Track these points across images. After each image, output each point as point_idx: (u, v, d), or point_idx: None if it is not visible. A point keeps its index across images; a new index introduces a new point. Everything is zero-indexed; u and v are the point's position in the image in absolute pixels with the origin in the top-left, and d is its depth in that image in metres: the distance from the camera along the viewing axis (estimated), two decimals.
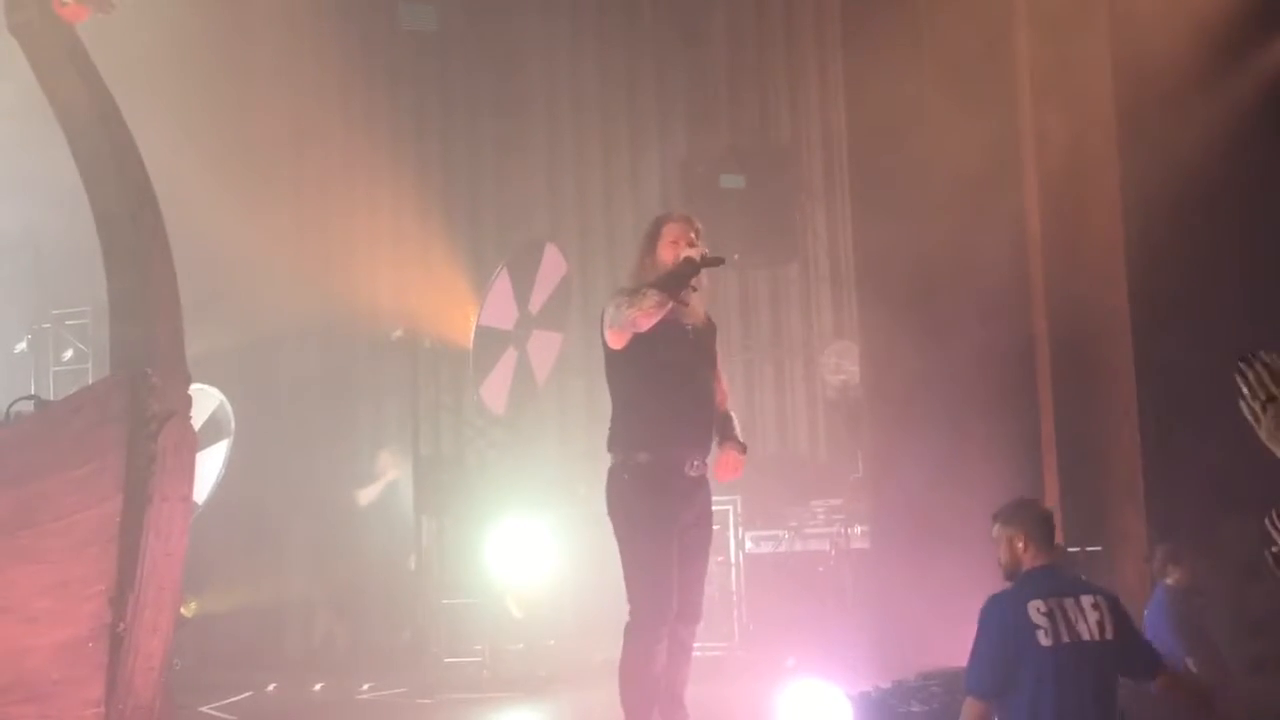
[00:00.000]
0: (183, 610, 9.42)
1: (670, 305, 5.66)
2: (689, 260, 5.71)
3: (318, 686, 10.20)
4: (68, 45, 6.02)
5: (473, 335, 10.40)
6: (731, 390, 11.32)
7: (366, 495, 11.05)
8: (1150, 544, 8.38)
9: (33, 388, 11.00)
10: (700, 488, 5.81)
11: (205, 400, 10.10)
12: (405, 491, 11.17)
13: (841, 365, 11.07)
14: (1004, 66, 9.25)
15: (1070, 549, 8.11)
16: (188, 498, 5.88)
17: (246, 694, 9.88)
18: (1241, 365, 2.89)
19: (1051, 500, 9.02)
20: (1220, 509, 8.20)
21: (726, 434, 5.91)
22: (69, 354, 11.72)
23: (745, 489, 11.02)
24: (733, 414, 6.02)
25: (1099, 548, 8.54)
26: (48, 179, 8.84)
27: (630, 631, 5.67)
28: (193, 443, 5.89)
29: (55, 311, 11.75)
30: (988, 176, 8.91)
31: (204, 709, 9.23)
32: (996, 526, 5.15)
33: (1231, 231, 8.50)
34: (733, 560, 10.67)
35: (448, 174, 12.55)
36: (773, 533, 10.73)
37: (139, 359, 5.73)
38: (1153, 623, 7.82)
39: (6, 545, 5.42)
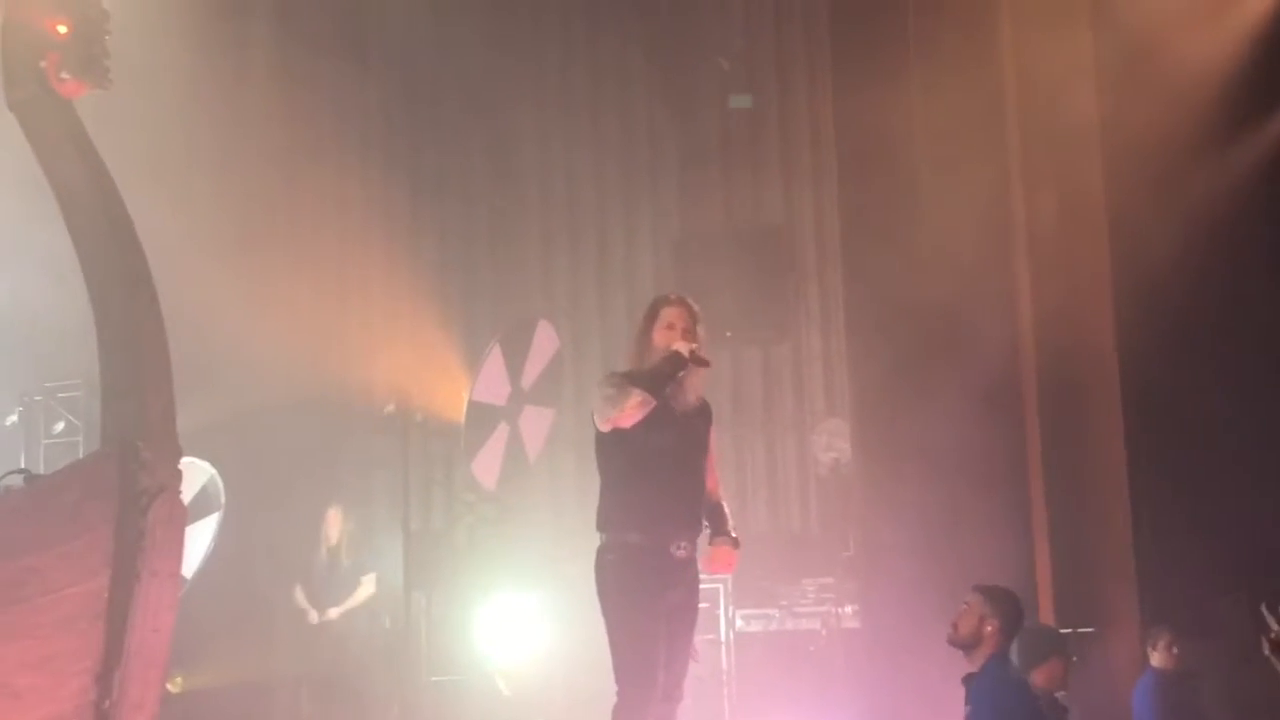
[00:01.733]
0: (169, 686, 9.36)
1: (654, 403, 5.71)
2: (677, 356, 5.76)
3: None
4: (66, 122, 6.05)
5: (465, 410, 10.40)
6: (722, 467, 11.31)
7: (336, 613, 10.47)
8: (1143, 625, 8.37)
9: (23, 461, 10.95)
10: (688, 568, 5.81)
11: (196, 474, 10.07)
12: (395, 567, 11.10)
13: (833, 443, 11.07)
14: (995, 143, 9.33)
15: (1062, 629, 8.10)
16: (176, 573, 5.84)
17: None
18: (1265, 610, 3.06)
19: (1043, 580, 9.02)
20: (1214, 592, 8.19)
21: (719, 528, 5.93)
22: (60, 426, 11.68)
23: (736, 567, 10.97)
24: (725, 505, 6.04)
25: (1091, 629, 8.52)
26: (41, 251, 8.88)
27: (618, 713, 5.66)
28: (183, 518, 5.87)
29: (47, 384, 11.72)
30: (979, 256, 8.98)
31: None
32: (979, 599, 5.25)
33: (1221, 315, 8.55)
34: (723, 639, 10.61)
35: (442, 251, 12.59)
36: (764, 611, 10.68)
37: (130, 433, 5.72)
38: (1139, 705, 7.80)
39: None
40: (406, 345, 11.16)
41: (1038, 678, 5.95)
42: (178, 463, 5.85)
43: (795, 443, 12.13)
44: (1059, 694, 6.11)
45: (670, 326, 5.85)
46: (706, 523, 5.91)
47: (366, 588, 10.46)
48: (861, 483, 9.99)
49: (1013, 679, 5.52)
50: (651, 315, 5.93)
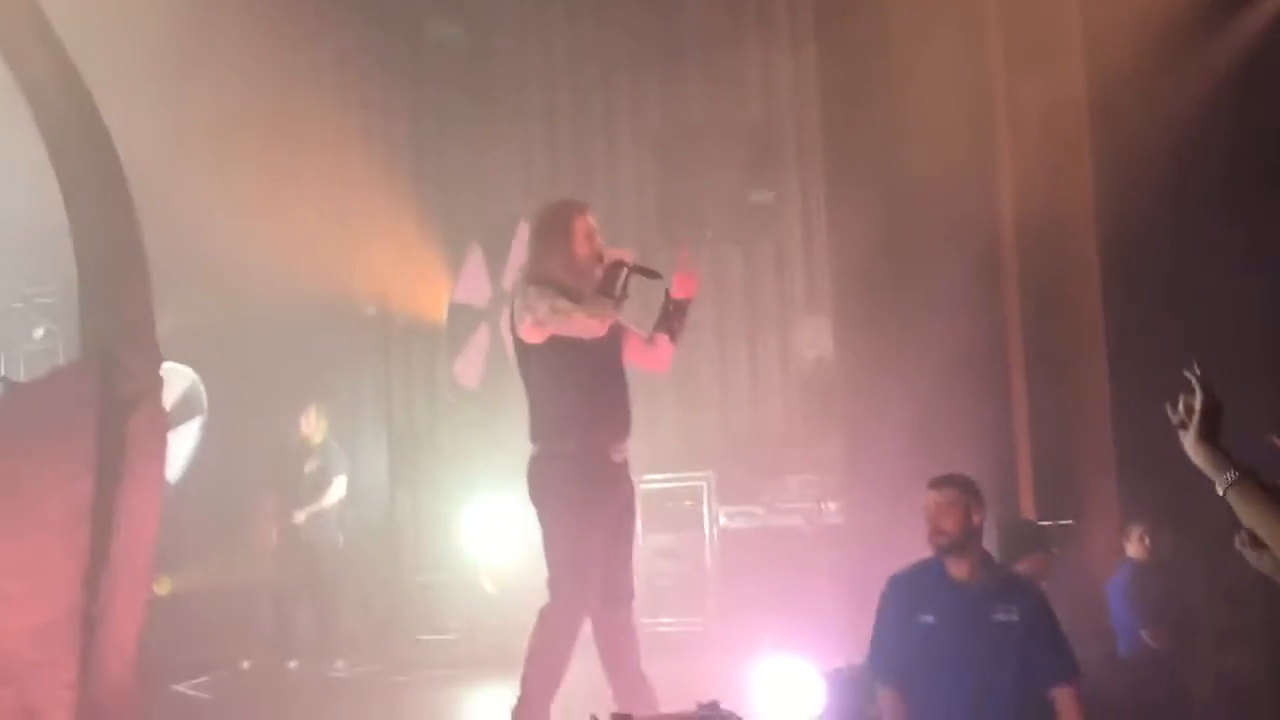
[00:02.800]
0: (156, 589, 9.41)
1: (618, 315, 5.73)
2: (620, 265, 5.76)
3: (291, 664, 10.20)
4: (30, 18, 5.95)
5: (446, 312, 10.38)
6: (704, 366, 11.33)
7: (302, 516, 10.44)
8: (1123, 518, 8.43)
9: (3, 368, 10.93)
10: (624, 476, 5.89)
11: (178, 379, 10.05)
12: (379, 467, 11.14)
13: (815, 340, 11.07)
14: (976, 22, 9.23)
15: (1042, 521, 8.16)
16: (160, 479, 5.85)
17: (220, 672, 9.88)
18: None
19: (1024, 472, 9.08)
20: (1193, 483, 8.25)
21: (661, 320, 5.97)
22: (39, 333, 11.64)
23: (719, 464, 11.05)
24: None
25: (1070, 521, 8.58)
26: (14, 156, 8.77)
27: (546, 614, 5.74)
28: (165, 424, 5.87)
29: (25, 290, 11.66)
30: (960, 144, 8.93)
31: (177, 687, 9.24)
32: (956, 492, 5.13)
33: (1203, 210, 8.53)
34: (707, 535, 10.69)
35: (419, 151, 12.47)
36: (747, 508, 10.75)
37: (109, 341, 5.70)
38: (1113, 596, 7.89)
39: None
40: (386, 247, 11.11)
41: (1020, 570, 6.00)
42: (158, 369, 5.84)
43: (777, 341, 12.14)
44: (1041, 585, 6.15)
45: (590, 236, 5.85)
46: (660, 324, 5.95)
47: (336, 490, 10.44)
48: (843, 378, 10.00)
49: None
50: (566, 225, 5.86)
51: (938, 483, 5.16)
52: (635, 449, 11.48)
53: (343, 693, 9.44)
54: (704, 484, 10.79)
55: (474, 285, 10.48)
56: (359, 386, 12.15)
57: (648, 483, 11.06)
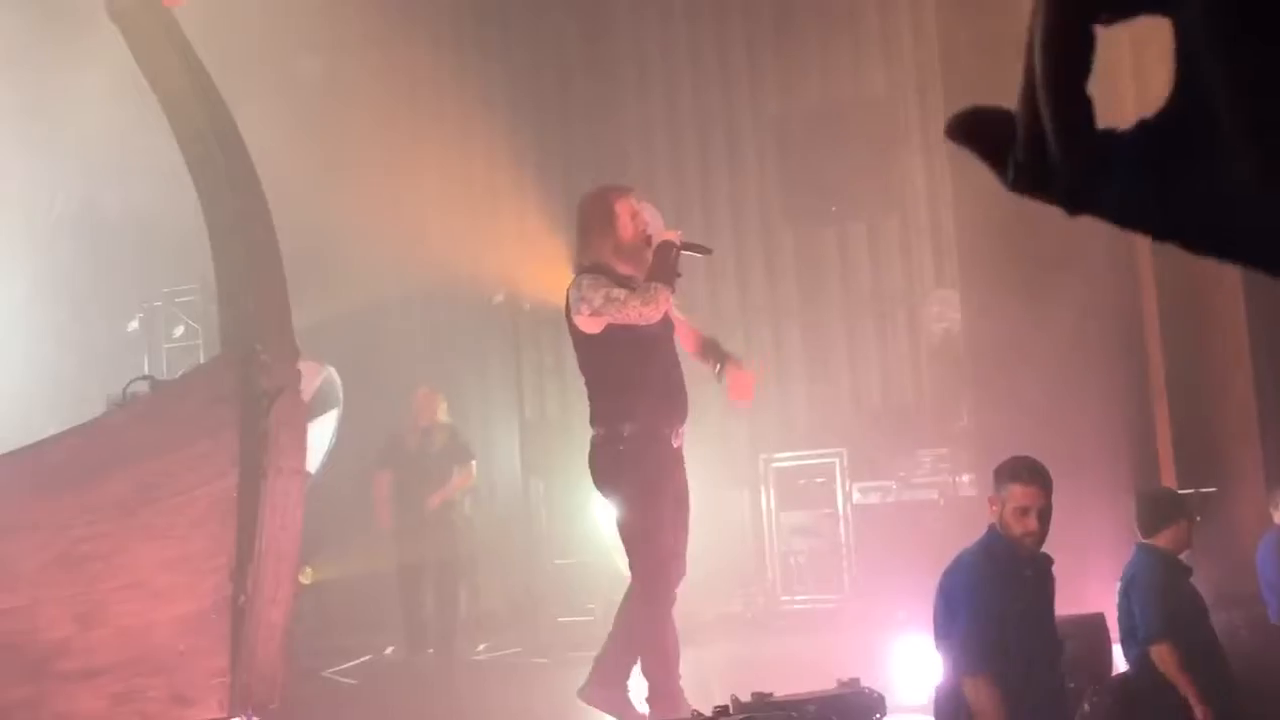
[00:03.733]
0: (300, 578, 9.61)
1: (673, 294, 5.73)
2: (670, 245, 5.73)
3: (430, 650, 10.35)
4: (167, 31, 6.13)
5: None
6: (832, 342, 11.29)
7: (436, 500, 10.35)
8: (1268, 483, 8.27)
9: (146, 366, 11.21)
10: (680, 462, 5.88)
11: (313, 373, 10.23)
12: (512, 454, 11.25)
13: (944, 314, 10.98)
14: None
15: (1183, 490, 8.04)
16: (300, 470, 6.00)
17: (365, 658, 10.07)
18: None
19: (1163, 442, 8.93)
20: None
21: (721, 355, 5.96)
22: (180, 331, 11.93)
23: (851, 441, 11.02)
24: (709, 337, 6.11)
25: (1214, 488, 8.43)
26: (152, 158, 9.00)
27: (643, 600, 5.75)
28: (303, 417, 6.03)
29: (165, 290, 11.95)
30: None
31: (325, 674, 9.43)
32: (1038, 490, 4.88)
33: None
34: (841, 512, 10.67)
35: (540, 137, 12.55)
36: (880, 484, 10.70)
37: (247, 337, 5.85)
38: (1263, 562, 7.73)
39: (129, 523, 5.58)
40: (511, 236, 11.20)
41: (1161, 540, 5.90)
42: (295, 363, 5.99)
43: (905, 316, 12.06)
44: (1183, 554, 6.06)
45: (634, 216, 5.83)
46: (708, 363, 5.95)
47: (464, 474, 10.44)
48: (973, 352, 9.90)
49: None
50: (608, 210, 5.85)
51: (1028, 476, 4.91)
52: (767, 427, 11.51)
53: (485, 675, 9.57)
54: (836, 461, 10.75)
55: None
56: (489, 374, 12.28)
57: (780, 460, 11.10)
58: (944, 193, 11.43)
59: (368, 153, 10.78)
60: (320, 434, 10.30)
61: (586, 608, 10.30)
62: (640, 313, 5.64)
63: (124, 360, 11.28)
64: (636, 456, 5.68)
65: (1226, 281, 8.82)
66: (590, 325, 5.76)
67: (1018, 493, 4.89)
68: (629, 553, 5.79)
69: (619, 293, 5.66)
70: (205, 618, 5.69)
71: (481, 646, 10.35)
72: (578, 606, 10.50)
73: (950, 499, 10.25)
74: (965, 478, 10.20)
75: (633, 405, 5.72)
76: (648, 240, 5.79)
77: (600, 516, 10.33)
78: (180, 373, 10.53)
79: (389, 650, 10.41)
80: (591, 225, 5.89)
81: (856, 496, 10.70)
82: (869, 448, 10.92)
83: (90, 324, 12.06)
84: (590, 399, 5.90)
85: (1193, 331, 8.90)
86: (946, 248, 11.48)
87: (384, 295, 11.26)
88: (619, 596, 10.23)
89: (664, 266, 5.67)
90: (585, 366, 5.94)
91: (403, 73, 11.26)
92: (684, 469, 5.91)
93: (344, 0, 10.76)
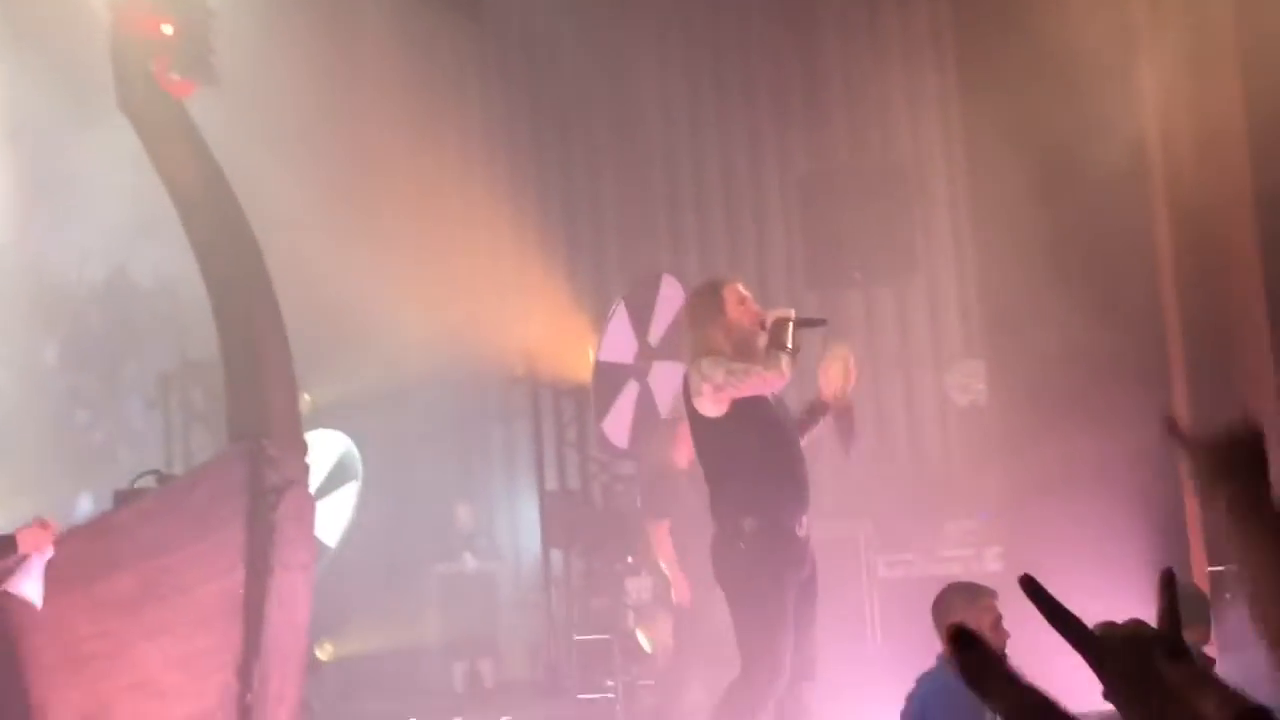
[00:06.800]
0: (318, 654, 9.56)
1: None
2: (784, 320, 5.70)
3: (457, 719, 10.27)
4: (178, 123, 6.12)
5: (592, 370, 10.39)
6: (860, 410, 11.23)
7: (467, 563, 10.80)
8: None
9: (167, 435, 11.20)
10: (807, 550, 5.80)
11: (331, 445, 10.21)
12: (533, 527, 11.17)
13: (969, 385, 10.87)
14: (1128, 62, 8.99)
15: (1213, 567, 7.91)
16: (308, 566, 5.95)
17: None
18: None
19: (1192, 519, 8.79)
20: None
21: (814, 407, 6.03)
22: (200, 397, 11.87)
23: (876, 510, 10.86)
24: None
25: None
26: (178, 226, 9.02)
27: (739, 692, 5.63)
28: (312, 511, 5.98)
29: (193, 356, 11.90)
30: (1111, 179, 8.70)
31: None
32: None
33: None
34: (865, 584, 10.50)
35: (567, 209, 12.54)
36: (902, 557, 10.54)
37: (255, 431, 5.81)
38: None
39: (134, 622, 5.53)
40: (535, 309, 11.17)
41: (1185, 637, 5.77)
42: (304, 457, 5.95)
43: (933, 382, 11.93)
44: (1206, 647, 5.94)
45: (742, 301, 5.83)
46: (808, 416, 6.00)
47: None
48: (1000, 422, 9.81)
49: None
50: (716, 298, 5.87)
51: (992, 593, 5.00)
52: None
53: None
54: (859, 534, 10.62)
55: (619, 342, 10.46)
56: (512, 446, 12.22)
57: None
58: (970, 257, 11.36)
59: (396, 229, 10.78)
60: (339, 507, 10.28)
61: (606, 685, 10.20)
62: (764, 379, 5.63)
63: (151, 427, 11.27)
64: (759, 555, 5.62)
65: (1256, 346, 8.71)
66: (713, 406, 5.71)
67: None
68: (739, 644, 5.69)
69: (740, 365, 5.66)
70: (211, 717, 5.63)
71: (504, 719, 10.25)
72: (598, 683, 10.39)
73: (975, 574, 10.07)
74: (992, 550, 10.05)
75: (755, 497, 5.68)
76: (759, 325, 5.78)
77: (620, 591, 10.25)
78: (194, 463, 10.52)
79: None
80: (701, 315, 5.91)
81: (881, 570, 10.53)
82: (894, 518, 10.77)
83: (119, 391, 12.06)
84: (710, 490, 5.85)
85: (1221, 400, 8.77)
86: (973, 313, 11.38)
87: (408, 369, 11.21)
88: (640, 676, 10.18)
89: (781, 340, 5.66)
90: (704, 455, 5.90)
91: (431, 153, 11.25)
92: (813, 560, 5.83)
93: (375, 79, 10.81)
